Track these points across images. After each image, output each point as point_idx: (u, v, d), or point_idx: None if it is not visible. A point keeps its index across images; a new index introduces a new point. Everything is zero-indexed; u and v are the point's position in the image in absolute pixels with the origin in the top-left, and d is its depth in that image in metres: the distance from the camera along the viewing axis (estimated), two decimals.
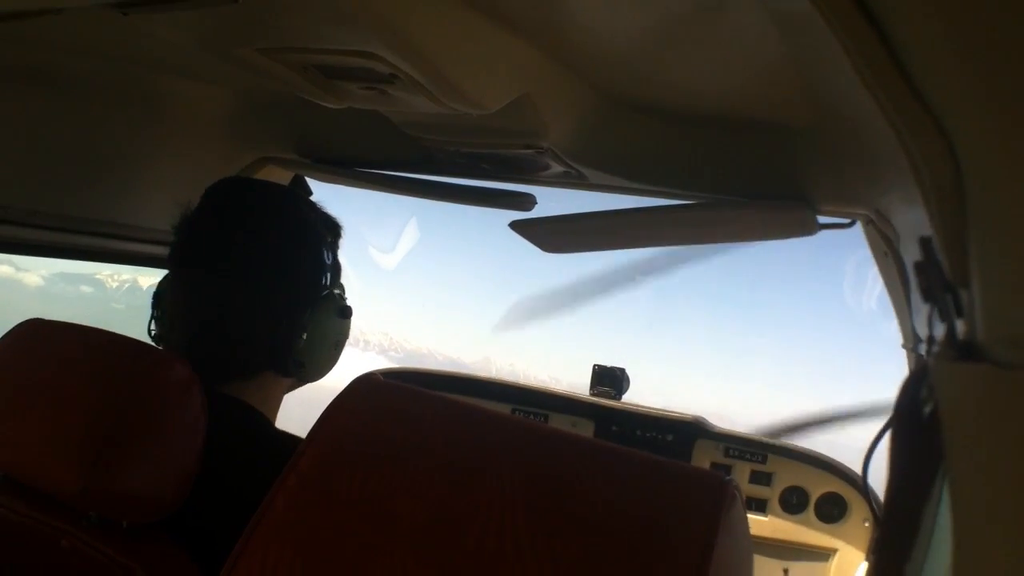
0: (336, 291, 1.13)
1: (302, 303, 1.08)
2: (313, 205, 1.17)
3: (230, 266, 1.07)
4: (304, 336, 1.07)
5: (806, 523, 2.01)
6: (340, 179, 1.66)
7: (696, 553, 0.49)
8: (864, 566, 1.93)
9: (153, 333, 1.14)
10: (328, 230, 1.16)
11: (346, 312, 1.14)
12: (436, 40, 0.87)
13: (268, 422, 1.11)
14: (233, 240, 1.08)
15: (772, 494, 2.04)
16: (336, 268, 1.16)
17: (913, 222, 0.94)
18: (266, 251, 1.08)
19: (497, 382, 2.30)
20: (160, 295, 1.14)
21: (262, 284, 1.07)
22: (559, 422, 2.17)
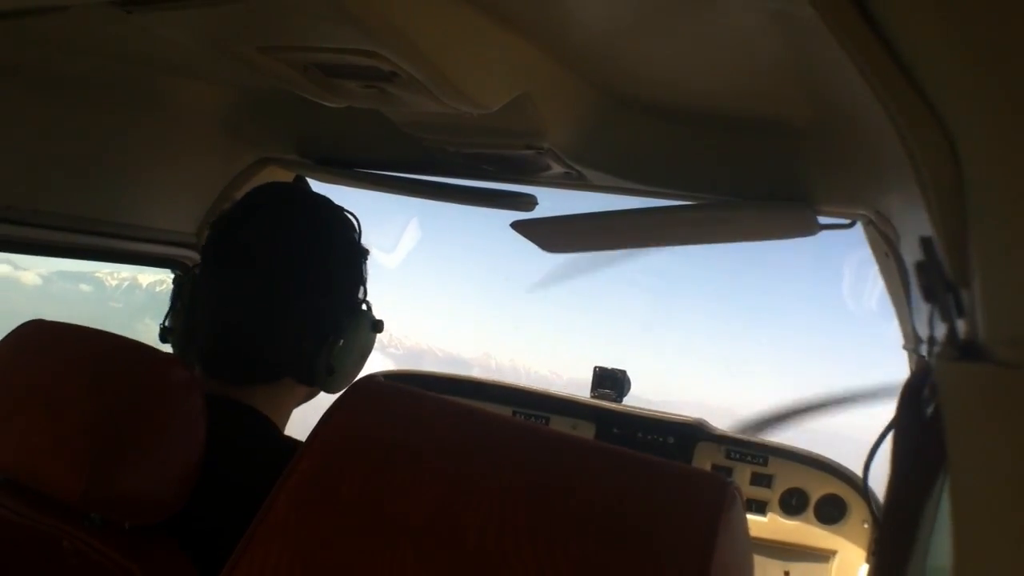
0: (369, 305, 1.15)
1: (340, 314, 1.09)
2: (353, 219, 1.19)
3: (272, 268, 1.06)
4: (340, 344, 1.07)
5: (805, 525, 2.01)
6: (341, 180, 1.66)
7: (697, 554, 0.49)
8: (865, 568, 1.93)
9: (167, 325, 1.14)
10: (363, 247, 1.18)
11: (378, 327, 1.15)
12: (436, 38, 0.87)
13: (274, 427, 1.10)
14: (278, 244, 1.07)
15: (772, 496, 2.04)
16: (366, 283, 1.17)
17: (914, 222, 0.94)
18: (311, 259, 1.08)
19: (498, 385, 2.30)
20: (179, 291, 1.14)
21: (302, 290, 1.07)
22: (560, 424, 2.17)
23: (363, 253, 1.15)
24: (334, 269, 1.10)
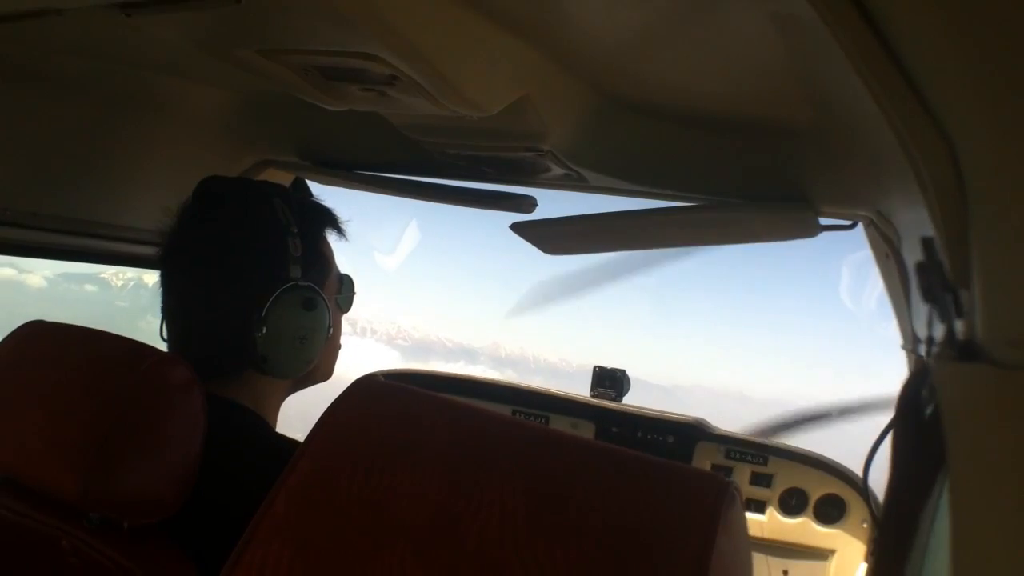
0: (305, 283, 1.08)
1: (259, 296, 1.04)
2: (285, 194, 1.13)
3: (191, 263, 1.08)
4: (264, 330, 1.04)
5: (804, 524, 2.01)
6: (341, 181, 1.66)
7: (696, 554, 0.49)
8: (863, 567, 1.93)
9: (164, 337, 1.15)
10: (301, 221, 1.11)
11: (310, 304, 1.08)
12: (436, 41, 0.87)
13: (265, 424, 1.10)
14: (191, 237, 1.09)
15: (771, 495, 2.04)
16: (312, 259, 1.12)
17: (914, 223, 0.94)
18: (221, 244, 1.07)
19: (498, 384, 2.30)
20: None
21: (220, 279, 1.06)
22: (560, 423, 2.17)
23: (287, 230, 1.08)
24: (243, 256, 1.06)
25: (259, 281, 1.06)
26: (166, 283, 1.12)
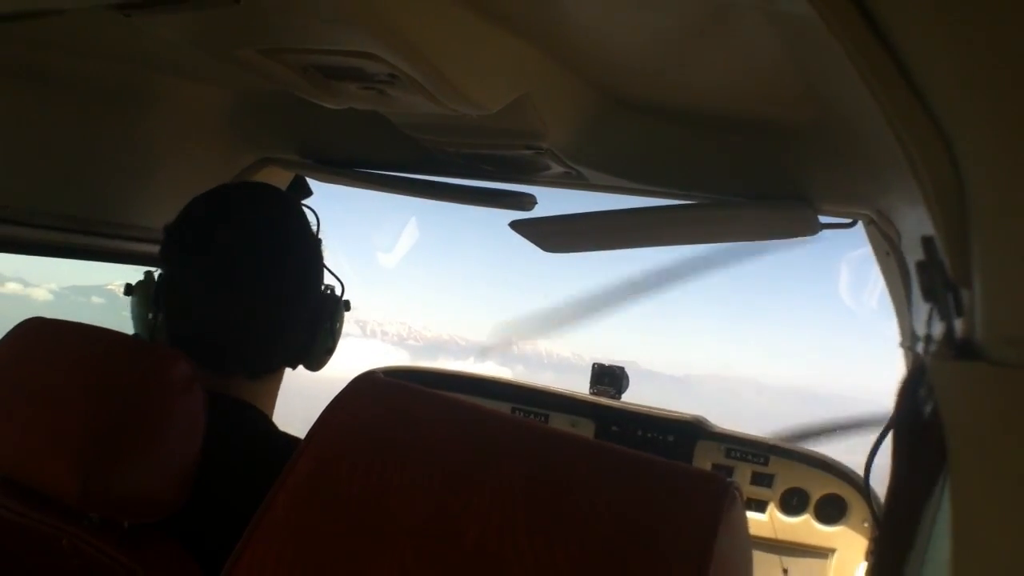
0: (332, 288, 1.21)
1: (319, 300, 1.16)
2: (312, 213, 1.23)
3: (256, 267, 1.08)
4: (327, 327, 1.16)
5: (805, 523, 2.01)
6: (341, 180, 1.66)
7: (696, 553, 0.49)
8: (863, 565, 1.93)
9: (148, 318, 1.12)
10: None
11: (347, 305, 1.21)
12: (435, 40, 0.87)
13: (269, 422, 1.11)
14: (261, 243, 1.09)
15: (772, 495, 2.04)
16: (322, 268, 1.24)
17: (915, 222, 0.94)
18: (287, 251, 1.13)
19: (498, 381, 2.30)
20: (161, 288, 1.12)
21: (280, 283, 1.10)
22: (559, 422, 2.17)
23: (318, 239, 1.20)
24: (308, 262, 1.16)
25: (315, 285, 1.16)
26: (201, 275, 1.08)
